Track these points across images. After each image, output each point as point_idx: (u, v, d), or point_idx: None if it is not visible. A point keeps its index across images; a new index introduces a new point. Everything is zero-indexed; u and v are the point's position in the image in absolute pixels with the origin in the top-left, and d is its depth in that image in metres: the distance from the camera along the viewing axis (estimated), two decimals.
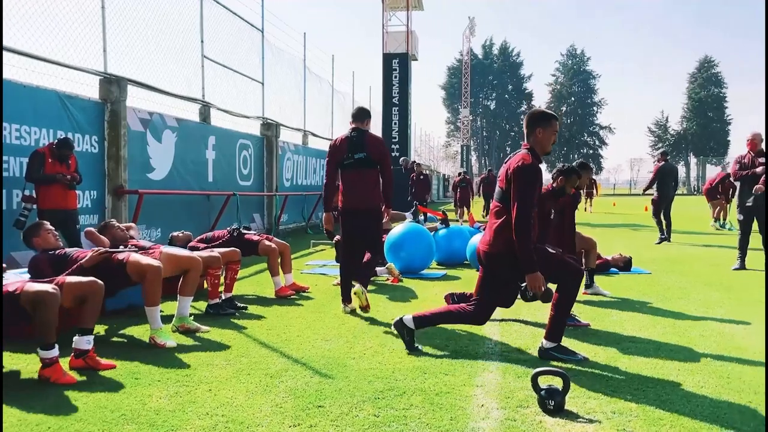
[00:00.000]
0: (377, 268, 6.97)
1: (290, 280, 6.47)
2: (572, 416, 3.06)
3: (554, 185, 5.72)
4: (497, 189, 4.05)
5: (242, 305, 5.61)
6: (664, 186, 12.22)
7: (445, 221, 9.25)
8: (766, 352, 4.09)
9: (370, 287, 6.92)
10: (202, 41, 10.39)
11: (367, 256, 5.74)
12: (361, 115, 5.55)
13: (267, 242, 6.39)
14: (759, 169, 8.05)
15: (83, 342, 3.77)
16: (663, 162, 12.51)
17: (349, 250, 5.66)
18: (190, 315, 4.87)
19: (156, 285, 4.32)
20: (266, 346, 4.35)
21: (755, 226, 8.19)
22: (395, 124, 23.11)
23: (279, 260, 6.40)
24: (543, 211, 5.36)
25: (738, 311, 5.58)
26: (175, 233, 6.40)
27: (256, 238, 6.47)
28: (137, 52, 8.80)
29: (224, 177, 10.98)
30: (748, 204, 8.19)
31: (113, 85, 8.04)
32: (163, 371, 3.75)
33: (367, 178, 5.43)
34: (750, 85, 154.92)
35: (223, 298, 5.50)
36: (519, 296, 4.06)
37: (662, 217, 12.27)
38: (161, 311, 5.24)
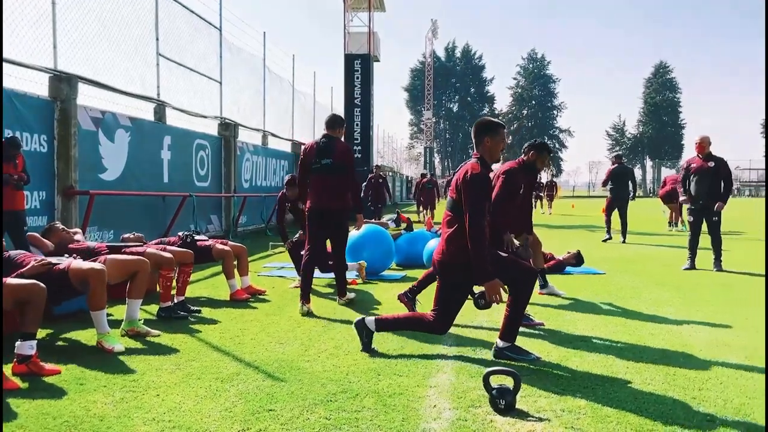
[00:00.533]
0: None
1: (246, 283, 6.38)
2: (522, 415, 3.08)
3: (525, 159, 5.64)
4: (448, 198, 4.09)
5: (195, 308, 5.50)
6: (617, 187, 12.72)
7: (409, 227, 9.29)
8: (766, 352, 4.18)
9: (327, 289, 6.90)
10: (157, 39, 10.18)
11: (335, 262, 6.04)
12: (333, 123, 5.91)
13: (220, 246, 6.28)
14: (681, 199, 8.87)
15: (25, 347, 3.64)
16: (616, 165, 12.97)
17: (313, 250, 5.85)
18: (140, 319, 4.76)
19: (100, 288, 4.19)
20: (218, 350, 4.27)
21: (705, 227, 8.45)
22: (357, 125, 23.06)
23: (235, 263, 6.31)
24: (515, 187, 5.33)
25: (686, 310, 5.73)
26: (126, 235, 6.25)
27: (209, 242, 6.35)
28: (89, 49, 8.56)
29: (180, 178, 10.78)
30: (696, 206, 8.43)
31: (63, 83, 7.81)
32: (109, 377, 3.65)
33: (332, 182, 5.74)
34: (702, 90, 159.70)
35: (176, 301, 5.39)
36: (473, 304, 4.09)
37: (619, 218, 12.68)
38: (110, 315, 5.14)
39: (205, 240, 6.39)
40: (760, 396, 3.38)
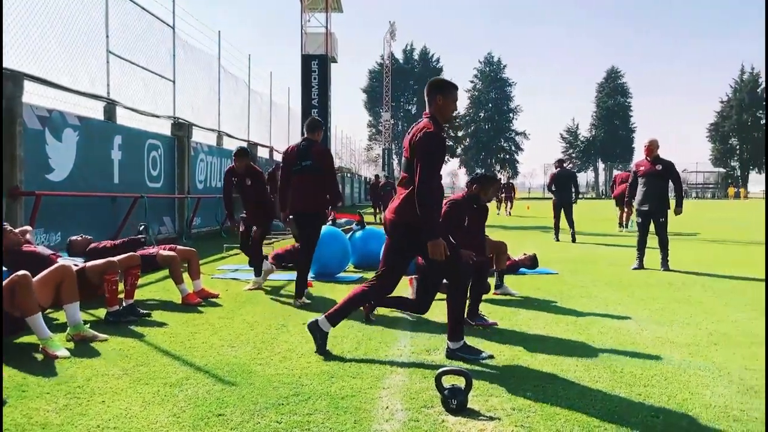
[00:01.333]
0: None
1: (199, 287, 6.24)
2: (474, 414, 3.11)
3: (469, 192, 5.76)
4: (403, 159, 4.11)
5: (145, 312, 5.37)
6: (560, 191, 13.32)
7: (361, 222, 9.23)
8: (766, 352, 4.28)
9: (281, 292, 6.84)
10: (107, 36, 9.93)
11: (300, 262, 6.22)
12: (311, 127, 6.35)
13: (165, 252, 6.11)
14: (626, 208, 10.17)
15: None
16: (558, 169, 13.61)
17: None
18: (87, 323, 4.62)
19: (25, 294, 4.00)
20: (168, 354, 4.18)
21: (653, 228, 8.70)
22: None
23: (187, 266, 6.19)
24: (459, 218, 5.44)
25: (634, 308, 5.88)
26: (73, 237, 6.05)
27: (153, 250, 6.17)
28: (36, 45, 8.29)
29: (131, 178, 10.52)
30: (644, 208, 8.69)
31: (8, 81, 7.53)
32: (52, 383, 3.53)
33: (312, 183, 6.09)
34: (652, 95, 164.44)
35: (124, 304, 5.24)
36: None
37: (566, 219, 13.22)
38: (56, 320, 4.99)
39: (148, 247, 6.23)
40: (702, 391, 3.49)
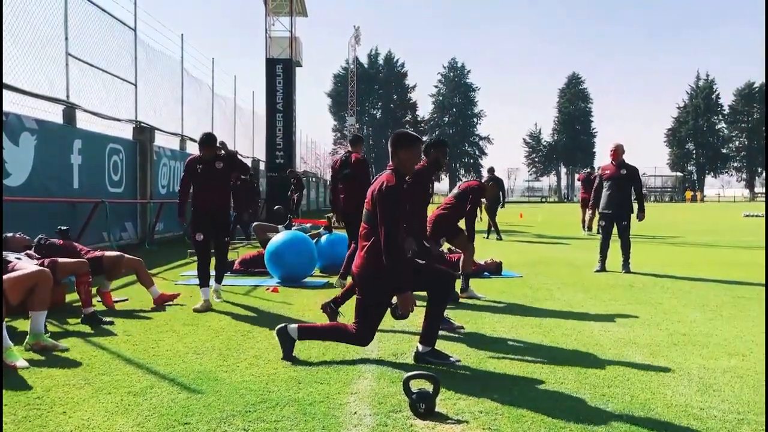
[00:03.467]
0: None
1: (156, 293, 6.09)
2: (442, 418, 3.13)
3: (429, 159, 5.69)
4: (365, 211, 4.09)
5: (107, 319, 5.26)
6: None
7: (329, 227, 9.23)
8: (766, 353, 4.37)
9: (245, 298, 6.77)
10: (66, 38, 9.71)
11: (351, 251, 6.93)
12: (352, 141, 7.82)
13: (110, 253, 5.97)
14: (589, 211, 11.38)
15: None
16: (489, 176, 15.18)
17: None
18: (47, 332, 4.50)
19: None
20: (131, 363, 4.10)
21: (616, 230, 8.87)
22: (279, 130, 22.75)
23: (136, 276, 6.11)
24: (424, 186, 5.44)
25: (597, 310, 5.99)
26: (9, 234, 5.55)
27: (97, 253, 5.98)
28: None
29: (92, 183, 10.29)
30: (607, 212, 8.86)
31: None
32: (11, 394, 3.43)
33: (351, 188, 7.30)
34: (612, 100, 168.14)
35: (83, 313, 5.11)
36: (390, 313, 4.14)
37: (490, 220, 14.93)
38: (14, 329, 4.85)
39: (92, 251, 6.08)
40: (664, 390, 3.57)
